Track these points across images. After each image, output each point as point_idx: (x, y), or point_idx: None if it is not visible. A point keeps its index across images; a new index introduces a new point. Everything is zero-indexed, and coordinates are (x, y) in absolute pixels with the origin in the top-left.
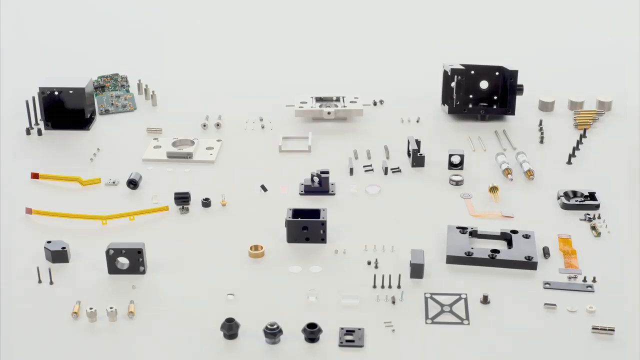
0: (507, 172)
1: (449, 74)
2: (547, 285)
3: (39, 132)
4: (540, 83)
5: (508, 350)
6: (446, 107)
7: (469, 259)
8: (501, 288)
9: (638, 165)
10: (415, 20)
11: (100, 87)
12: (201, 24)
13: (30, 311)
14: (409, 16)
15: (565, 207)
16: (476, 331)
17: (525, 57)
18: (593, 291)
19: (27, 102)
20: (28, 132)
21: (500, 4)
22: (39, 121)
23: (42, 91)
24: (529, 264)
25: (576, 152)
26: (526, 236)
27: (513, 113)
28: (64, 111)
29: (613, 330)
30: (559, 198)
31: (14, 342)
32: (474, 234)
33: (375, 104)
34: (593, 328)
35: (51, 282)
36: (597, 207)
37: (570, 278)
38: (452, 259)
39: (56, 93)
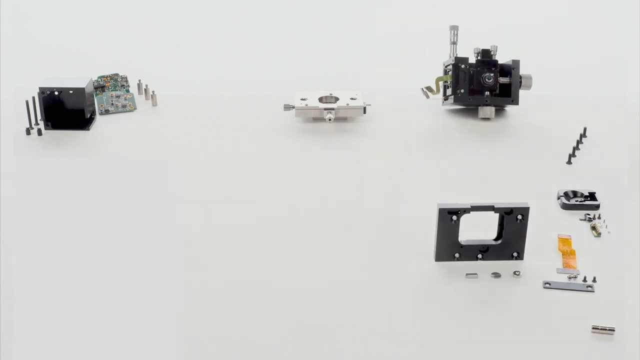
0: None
1: (453, 62)
2: (547, 285)
3: (39, 132)
4: (540, 82)
5: (508, 349)
6: (446, 105)
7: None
8: (500, 287)
9: (638, 165)
10: (415, 17)
11: (100, 87)
12: (201, 23)
13: (28, 308)
14: (407, 13)
15: (565, 207)
16: (475, 331)
17: (523, 56)
18: (593, 291)
19: (27, 102)
20: (28, 132)
21: (498, 3)
22: (39, 121)
23: (42, 91)
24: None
25: (576, 152)
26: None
27: (517, 103)
28: (64, 111)
29: (613, 330)
30: (559, 198)
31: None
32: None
33: (365, 111)
34: (593, 328)
35: None
36: (597, 207)
37: (570, 278)
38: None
39: (56, 93)
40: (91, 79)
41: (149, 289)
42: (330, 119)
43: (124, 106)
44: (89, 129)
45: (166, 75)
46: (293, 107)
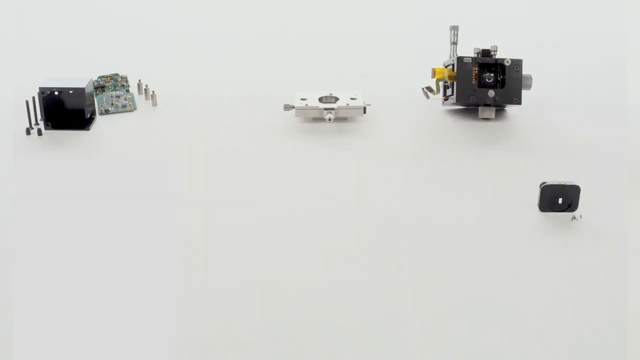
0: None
1: (453, 62)
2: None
3: (39, 132)
4: (539, 82)
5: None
6: (446, 105)
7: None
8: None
9: (638, 165)
10: (414, 17)
11: (100, 87)
12: (201, 23)
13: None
14: (407, 13)
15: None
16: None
17: (522, 54)
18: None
19: (27, 102)
20: (28, 132)
21: (498, 2)
22: (39, 121)
23: (42, 91)
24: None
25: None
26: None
27: (519, 102)
28: (64, 111)
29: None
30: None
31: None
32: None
33: (365, 111)
34: None
35: None
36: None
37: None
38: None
39: (56, 93)
40: (91, 79)
41: (148, 289)
42: (330, 119)
43: (124, 106)
44: (89, 129)
45: (166, 75)
46: (293, 107)
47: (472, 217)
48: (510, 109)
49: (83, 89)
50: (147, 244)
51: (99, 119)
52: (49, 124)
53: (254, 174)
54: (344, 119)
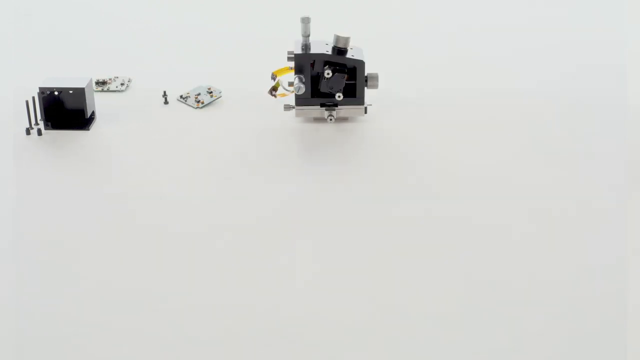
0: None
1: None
2: None
3: (39, 132)
4: (538, 82)
5: None
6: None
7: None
8: None
9: (638, 165)
10: (414, 17)
11: (101, 82)
12: (201, 23)
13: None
14: (407, 13)
15: None
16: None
17: (521, 53)
18: None
19: (27, 102)
20: (28, 132)
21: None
22: (39, 121)
23: (42, 91)
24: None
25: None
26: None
27: (362, 103)
28: (64, 111)
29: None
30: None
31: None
32: None
33: (366, 111)
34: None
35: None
36: None
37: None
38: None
39: (56, 93)
40: (91, 79)
41: (148, 289)
42: (330, 119)
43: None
44: (89, 129)
45: (166, 75)
46: (293, 107)
47: (472, 217)
48: (512, 108)
49: (83, 89)
50: (147, 243)
51: (99, 119)
52: (49, 124)
53: (254, 174)
54: (344, 119)
